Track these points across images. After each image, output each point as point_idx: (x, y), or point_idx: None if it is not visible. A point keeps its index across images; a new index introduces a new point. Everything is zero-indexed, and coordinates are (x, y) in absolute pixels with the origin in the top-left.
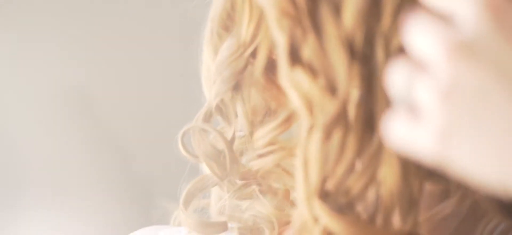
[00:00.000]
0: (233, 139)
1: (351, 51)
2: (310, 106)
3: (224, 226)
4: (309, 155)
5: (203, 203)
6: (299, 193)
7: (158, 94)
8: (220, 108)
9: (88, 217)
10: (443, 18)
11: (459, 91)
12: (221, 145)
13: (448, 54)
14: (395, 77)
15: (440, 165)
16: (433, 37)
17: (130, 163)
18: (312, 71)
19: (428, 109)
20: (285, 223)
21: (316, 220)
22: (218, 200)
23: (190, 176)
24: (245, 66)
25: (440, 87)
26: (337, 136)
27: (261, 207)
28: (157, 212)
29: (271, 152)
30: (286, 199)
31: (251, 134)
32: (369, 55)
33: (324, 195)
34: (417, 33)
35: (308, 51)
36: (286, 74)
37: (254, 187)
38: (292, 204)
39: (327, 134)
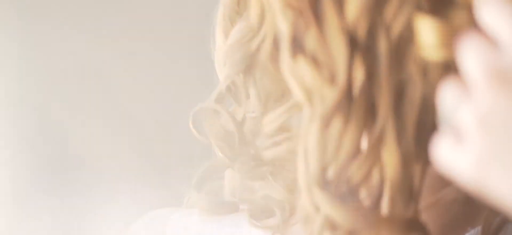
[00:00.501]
0: (243, 120)
1: (353, 41)
2: (309, 96)
3: (235, 207)
4: (308, 144)
5: (216, 185)
6: (300, 182)
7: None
8: (231, 90)
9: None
10: (492, 41)
11: (496, 118)
12: (231, 126)
13: (489, 79)
14: (444, 97)
15: (479, 191)
16: (478, 59)
17: (147, 144)
18: (314, 61)
19: (468, 134)
20: (295, 205)
21: (317, 209)
22: (231, 181)
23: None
24: (256, 50)
25: (479, 112)
26: (336, 125)
27: (272, 190)
28: (172, 194)
29: (286, 139)
30: (295, 183)
31: (263, 116)
32: (371, 45)
33: (325, 184)
34: (467, 53)
35: (310, 41)
36: (287, 63)
37: (266, 169)
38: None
39: (326, 123)
